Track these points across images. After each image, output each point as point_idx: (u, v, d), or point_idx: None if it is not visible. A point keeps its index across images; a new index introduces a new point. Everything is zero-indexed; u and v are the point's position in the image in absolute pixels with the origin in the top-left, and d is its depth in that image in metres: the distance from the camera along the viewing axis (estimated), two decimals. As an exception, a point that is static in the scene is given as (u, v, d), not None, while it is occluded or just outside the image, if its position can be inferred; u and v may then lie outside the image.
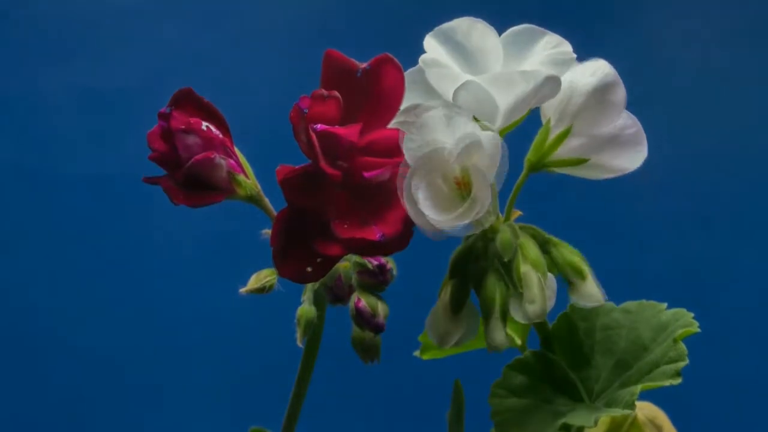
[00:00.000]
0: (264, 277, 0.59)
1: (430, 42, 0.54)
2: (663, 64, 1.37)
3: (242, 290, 0.59)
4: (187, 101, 0.57)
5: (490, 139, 0.50)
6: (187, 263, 1.35)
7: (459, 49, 0.54)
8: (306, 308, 0.60)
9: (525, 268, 0.53)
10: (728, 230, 1.33)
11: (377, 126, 0.54)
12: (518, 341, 0.69)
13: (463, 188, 0.51)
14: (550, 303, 0.53)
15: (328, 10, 1.40)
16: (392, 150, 0.52)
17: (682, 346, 0.55)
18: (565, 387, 0.58)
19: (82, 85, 1.37)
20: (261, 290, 0.59)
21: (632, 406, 0.54)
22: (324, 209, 0.52)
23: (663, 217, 1.33)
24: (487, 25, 0.54)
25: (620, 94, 0.55)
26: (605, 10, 1.40)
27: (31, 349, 1.35)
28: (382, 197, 0.52)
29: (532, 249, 0.54)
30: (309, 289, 0.61)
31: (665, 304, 0.60)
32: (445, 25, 0.55)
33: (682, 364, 0.55)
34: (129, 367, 1.34)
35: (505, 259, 0.54)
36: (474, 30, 0.54)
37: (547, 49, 0.54)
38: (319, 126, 0.52)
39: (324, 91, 0.53)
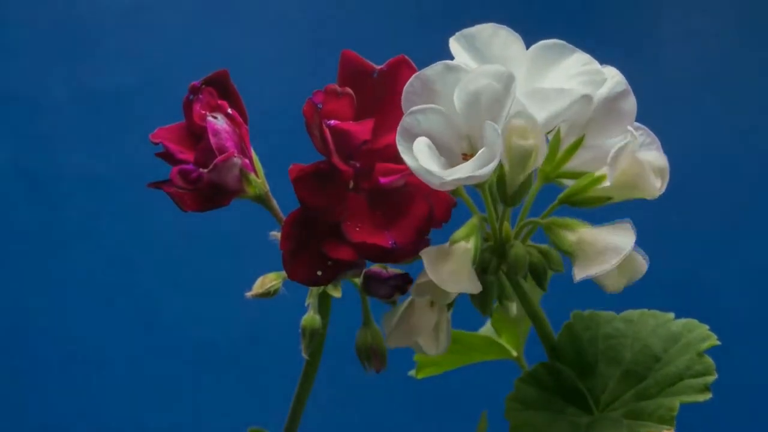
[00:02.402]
0: (269, 281, 0.58)
1: (454, 46, 0.53)
2: (662, 62, 1.36)
3: (248, 294, 0.58)
4: (216, 85, 0.56)
5: (492, 86, 0.48)
6: (189, 263, 1.35)
7: (480, 55, 0.52)
8: (310, 317, 0.59)
9: (575, 236, 0.52)
10: (727, 229, 1.32)
11: (392, 128, 0.52)
12: (514, 353, 0.69)
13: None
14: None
15: (330, 8, 1.40)
16: None
17: (709, 360, 0.55)
18: (574, 397, 0.57)
19: (82, 85, 1.36)
20: (266, 294, 0.57)
21: (671, 422, 0.53)
22: (336, 210, 0.51)
23: (661, 217, 1.32)
24: (512, 32, 0.53)
25: (630, 102, 0.53)
26: (604, 9, 1.38)
27: (30, 349, 1.34)
28: (397, 203, 0.51)
29: (570, 219, 0.53)
30: (314, 295, 0.59)
31: (672, 314, 0.59)
32: (467, 30, 0.53)
33: (710, 379, 0.54)
34: (129, 367, 1.33)
35: (519, 276, 0.53)
36: (496, 37, 0.52)
37: (577, 67, 0.52)
38: (332, 121, 0.51)
39: (337, 87, 0.52)
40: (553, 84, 0.52)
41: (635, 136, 0.52)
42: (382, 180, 0.51)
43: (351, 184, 0.52)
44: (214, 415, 1.32)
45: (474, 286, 0.51)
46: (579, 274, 0.51)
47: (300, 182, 0.51)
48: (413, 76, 0.50)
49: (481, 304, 0.54)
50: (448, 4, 1.32)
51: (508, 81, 0.48)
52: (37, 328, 1.34)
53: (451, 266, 0.51)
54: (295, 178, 0.51)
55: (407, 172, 0.51)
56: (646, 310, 0.60)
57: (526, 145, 0.49)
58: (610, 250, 0.50)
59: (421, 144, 0.49)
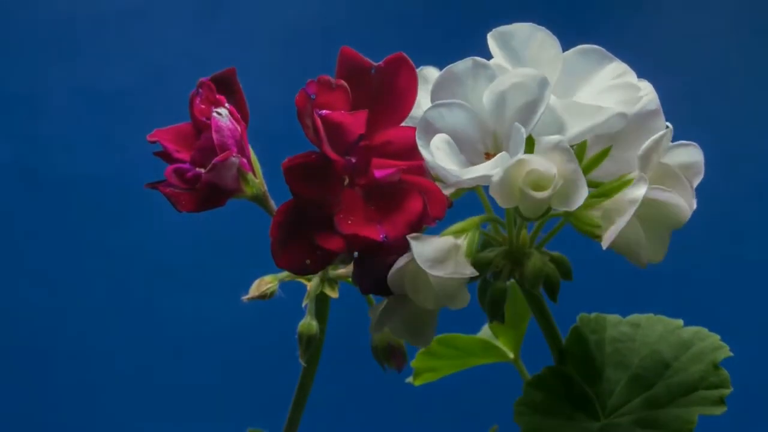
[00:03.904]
0: (265, 284, 0.57)
1: (490, 43, 0.52)
2: (661, 60, 1.35)
3: (244, 298, 0.57)
4: (222, 82, 0.56)
5: (525, 86, 0.47)
6: (188, 263, 1.34)
7: (514, 55, 0.51)
8: (307, 324, 0.58)
9: (599, 211, 0.50)
10: (727, 232, 1.31)
11: (389, 125, 0.52)
12: (511, 355, 0.68)
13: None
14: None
15: (330, 8, 1.39)
16: (407, 151, 0.51)
17: (725, 373, 0.54)
18: (582, 402, 0.57)
19: (82, 85, 1.36)
20: (263, 297, 0.57)
21: None
22: (328, 202, 0.51)
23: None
24: (550, 34, 0.51)
25: (660, 123, 0.52)
26: (604, 5, 1.38)
27: (30, 349, 1.34)
28: (391, 199, 0.51)
29: (590, 199, 0.51)
30: (311, 297, 0.58)
31: (680, 321, 0.58)
32: (505, 28, 0.52)
33: (726, 392, 0.54)
34: (129, 368, 1.33)
35: (534, 291, 0.52)
36: (534, 39, 0.51)
37: (613, 78, 0.51)
38: (324, 111, 0.50)
39: (331, 79, 0.51)
40: (588, 93, 0.51)
41: (669, 128, 0.51)
42: (377, 173, 0.50)
43: (346, 181, 0.51)
44: (214, 416, 1.31)
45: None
46: (605, 241, 0.49)
47: (291, 172, 0.50)
48: (444, 70, 0.50)
49: (490, 311, 0.52)
50: (450, 5, 1.31)
51: (543, 86, 0.47)
52: (37, 327, 1.33)
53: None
54: (287, 168, 0.50)
55: (403, 166, 0.50)
56: (652, 315, 0.59)
57: (540, 198, 0.47)
58: (627, 203, 0.48)
59: (440, 140, 0.48)
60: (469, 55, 0.52)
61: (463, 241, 0.51)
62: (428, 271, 0.48)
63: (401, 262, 0.50)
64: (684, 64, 1.36)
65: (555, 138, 0.47)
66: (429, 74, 0.54)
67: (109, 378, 1.33)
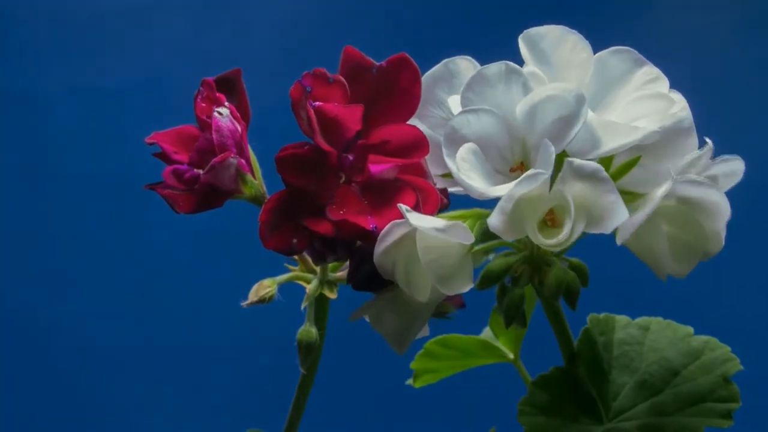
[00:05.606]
0: (264, 288, 0.56)
1: (521, 44, 0.51)
2: (664, 60, 1.34)
3: (243, 304, 0.56)
4: (226, 82, 0.56)
5: (562, 101, 0.46)
6: (189, 263, 1.34)
7: (542, 57, 0.50)
8: (306, 330, 0.57)
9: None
10: (736, 238, 1.30)
11: (388, 124, 0.52)
12: (511, 356, 0.67)
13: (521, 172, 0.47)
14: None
15: (330, 8, 1.39)
16: (405, 149, 0.51)
17: (735, 388, 0.54)
18: (587, 405, 0.56)
19: (82, 85, 1.35)
20: (262, 301, 0.56)
21: None
22: (320, 193, 0.51)
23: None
24: (581, 38, 0.50)
25: (692, 141, 0.51)
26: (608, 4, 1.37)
27: (31, 348, 1.33)
28: (384, 195, 0.51)
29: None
30: (310, 304, 0.58)
31: (690, 328, 0.57)
32: (535, 29, 0.51)
33: (734, 406, 0.53)
34: (129, 368, 1.33)
35: (553, 302, 0.52)
36: (564, 42, 0.50)
37: (646, 86, 0.50)
38: (317, 103, 0.50)
39: (327, 72, 0.51)
40: (620, 101, 0.50)
41: (709, 146, 0.50)
42: (373, 168, 0.50)
43: (342, 178, 0.51)
44: (215, 416, 1.31)
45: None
46: (619, 237, 0.47)
47: (283, 162, 0.51)
48: (476, 71, 0.49)
49: (507, 316, 0.51)
50: (450, 6, 1.30)
51: (581, 102, 0.46)
52: (37, 326, 1.33)
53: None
54: (279, 159, 0.50)
55: (399, 163, 0.50)
56: (661, 319, 0.58)
57: (552, 243, 0.46)
58: (650, 199, 0.47)
59: (466, 151, 0.47)
60: (470, 56, 0.52)
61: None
62: (419, 225, 0.47)
63: (390, 237, 0.48)
64: (684, 64, 1.35)
65: (590, 165, 0.45)
66: (456, 67, 0.53)
67: (109, 378, 1.32)
